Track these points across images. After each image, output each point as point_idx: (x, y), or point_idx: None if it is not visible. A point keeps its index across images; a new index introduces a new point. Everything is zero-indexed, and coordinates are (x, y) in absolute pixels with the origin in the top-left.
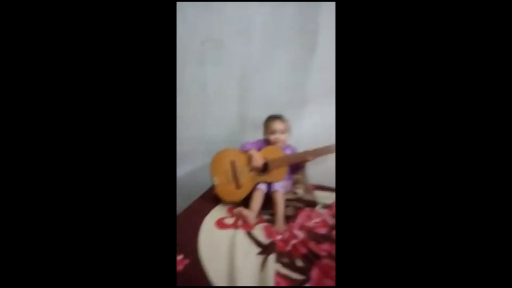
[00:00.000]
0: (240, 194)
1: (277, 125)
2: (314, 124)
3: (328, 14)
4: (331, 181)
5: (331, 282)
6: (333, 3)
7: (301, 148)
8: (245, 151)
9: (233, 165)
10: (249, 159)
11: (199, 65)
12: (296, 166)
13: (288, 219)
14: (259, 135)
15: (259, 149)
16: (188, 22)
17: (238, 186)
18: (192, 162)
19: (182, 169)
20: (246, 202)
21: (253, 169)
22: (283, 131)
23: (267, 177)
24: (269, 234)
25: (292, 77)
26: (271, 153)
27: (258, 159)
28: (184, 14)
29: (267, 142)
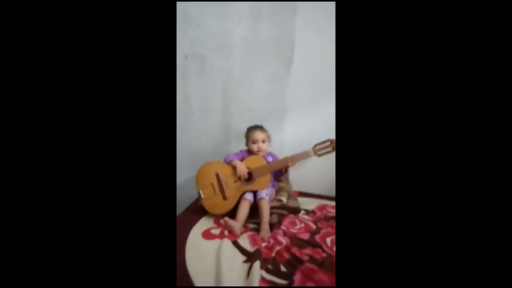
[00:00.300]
0: (228, 205)
1: (258, 135)
2: (293, 133)
3: (302, 27)
4: (312, 187)
5: (313, 284)
6: (308, 15)
7: (282, 155)
8: (228, 163)
9: (218, 177)
10: (233, 170)
11: (182, 78)
12: (279, 172)
13: (273, 226)
14: (243, 145)
15: (242, 159)
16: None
17: (224, 197)
18: (177, 175)
19: None
20: (232, 211)
21: (238, 179)
22: (264, 140)
23: (252, 186)
24: (254, 242)
25: (272, 89)
26: (253, 162)
27: (242, 169)
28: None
29: (249, 152)
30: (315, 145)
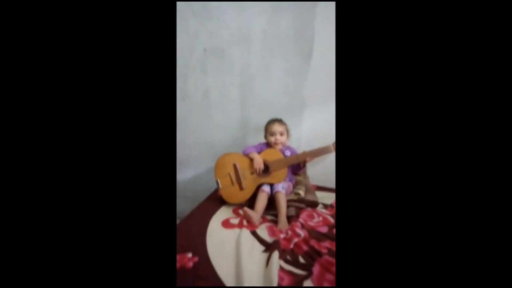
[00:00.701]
0: (244, 196)
1: (276, 127)
2: (312, 126)
3: (322, 20)
4: (330, 181)
5: (331, 276)
6: (327, 7)
7: (300, 149)
8: (246, 155)
9: (235, 168)
10: (250, 162)
11: (201, 72)
12: (297, 167)
13: (291, 219)
14: (261, 139)
15: (260, 152)
16: (191, 31)
17: (241, 188)
18: (196, 166)
19: (187, 173)
20: (251, 203)
21: (255, 171)
22: (282, 133)
23: (268, 179)
24: (272, 233)
25: (290, 82)
26: (271, 155)
27: (259, 162)
28: (187, 23)
29: (268, 145)
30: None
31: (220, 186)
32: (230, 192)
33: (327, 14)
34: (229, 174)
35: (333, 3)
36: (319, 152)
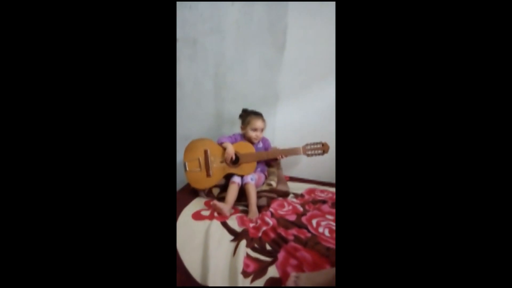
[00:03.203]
0: (209, 182)
1: (260, 124)
2: (285, 119)
3: (295, 12)
4: (302, 172)
5: (295, 261)
6: (299, 2)
7: (274, 140)
8: (220, 144)
9: (205, 154)
10: (222, 151)
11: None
12: (268, 160)
13: (262, 208)
14: (235, 130)
15: (233, 142)
16: None
17: (208, 174)
18: None
19: None
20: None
21: (225, 160)
22: (263, 130)
23: (236, 170)
24: (242, 222)
25: (265, 74)
26: (243, 148)
27: (231, 152)
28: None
29: (243, 137)
30: (306, 144)
31: (187, 168)
32: (196, 177)
33: (300, 6)
34: (198, 159)
35: None
36: (290, 152)
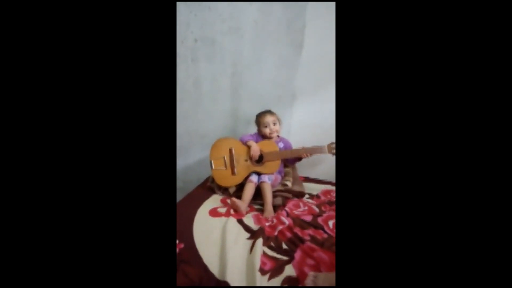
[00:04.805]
0: (234, 180)
1: (268, 118)
2: (301, 118)
3: (313, 11)
4: (318, 172)
5: (312, 261)
6: (318, 2)
7: (291, 140)
8: (244, 142)
9: (231, 152)
10: (247, 149)
11: (192, 62)
12: (294, 160)
13: (277, 208)
14: (251, 129)
15: (256, 142)
16: (182, 20)
17: (233, 172)
18: (186, 156)
19: (178, 163)
20: (239, 193)
21: (249, 159)
22: (274, 122)
23: (261, 168)
24: (258, 221)
25: (281, 73)
26: (267, 146)
27: (256, 150)
28: (178, 11)
29: (262, 137)
30: (332, 143)
31: (213, 167)
32: (222, 175)
33: (318, 6)
34: (224, 158)
35: None
36: (315, 151)
